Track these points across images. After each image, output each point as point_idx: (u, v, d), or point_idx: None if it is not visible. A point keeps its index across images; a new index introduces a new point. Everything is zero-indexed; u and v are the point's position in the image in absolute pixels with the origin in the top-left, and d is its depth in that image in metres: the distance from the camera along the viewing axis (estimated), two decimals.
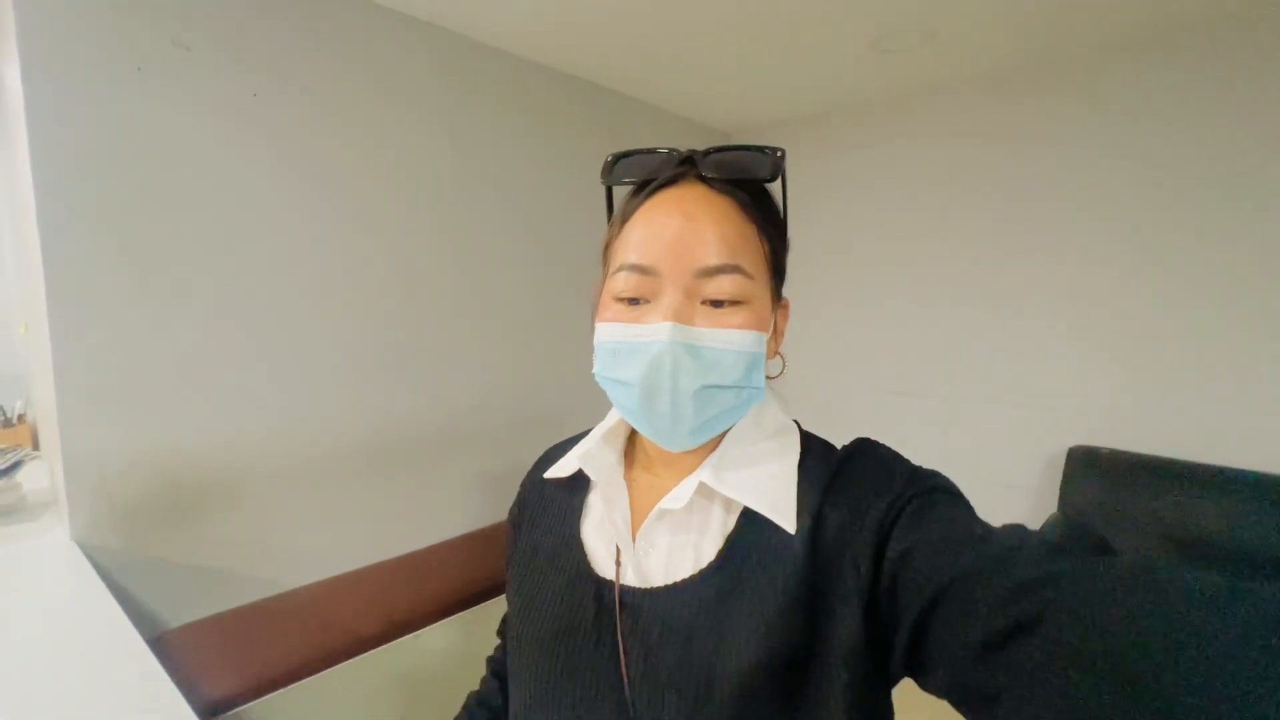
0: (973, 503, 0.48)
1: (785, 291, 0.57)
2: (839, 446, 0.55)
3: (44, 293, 1.26)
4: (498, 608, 1.47)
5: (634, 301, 0.50)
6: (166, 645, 1.27)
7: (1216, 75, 1.86)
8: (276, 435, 1.57)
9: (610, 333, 0.51)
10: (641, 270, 0.49)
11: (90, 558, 1.25)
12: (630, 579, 0.52)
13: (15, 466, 1.56)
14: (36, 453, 1.90)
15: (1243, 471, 1.82)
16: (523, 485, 0.68)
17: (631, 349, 0.50)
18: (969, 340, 2.38)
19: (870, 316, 2.63)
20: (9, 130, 1.56)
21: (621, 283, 0.50)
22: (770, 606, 0.46)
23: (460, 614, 1.54)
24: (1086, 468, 2.07)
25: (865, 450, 0.53)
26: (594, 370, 0.55)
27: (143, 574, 1.35)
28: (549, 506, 0.62)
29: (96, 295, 1.31)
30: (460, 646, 1.55)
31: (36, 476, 1.70)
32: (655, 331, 0.48)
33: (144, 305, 1.37)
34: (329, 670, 1.30)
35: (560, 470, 0.60)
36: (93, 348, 1.30)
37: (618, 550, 0.54)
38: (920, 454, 0.54)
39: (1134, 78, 1.98)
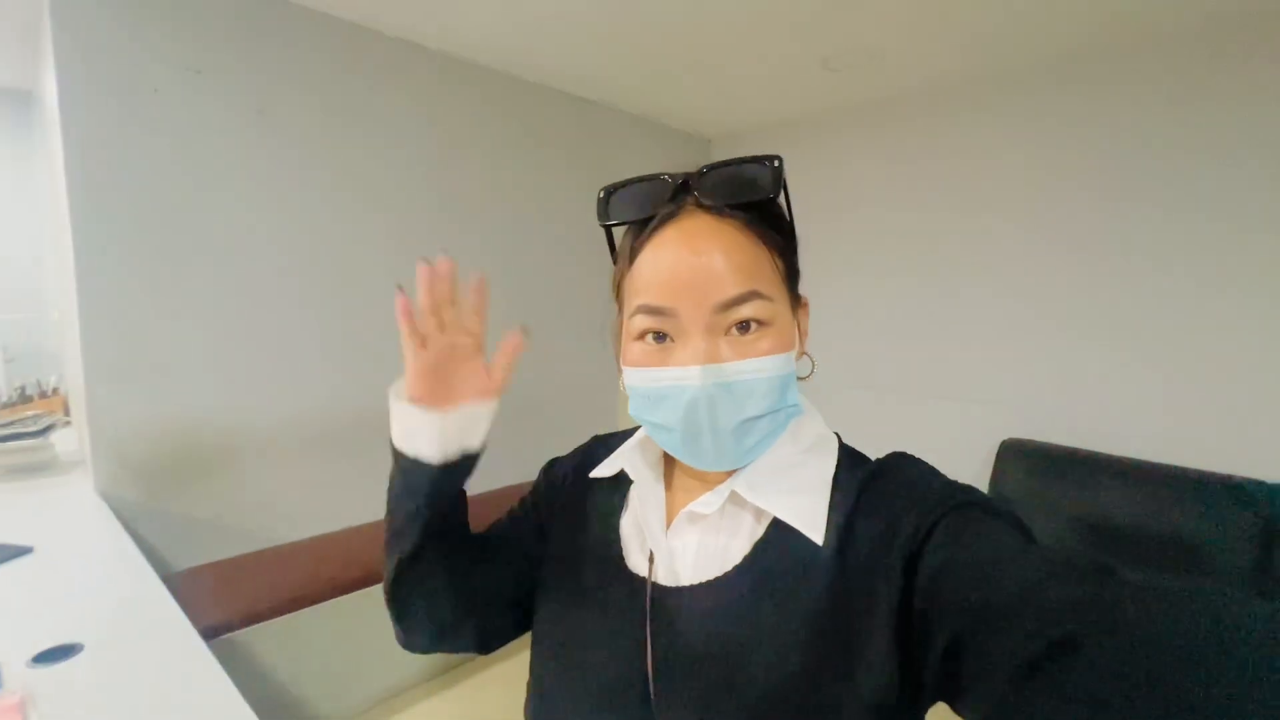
0: None
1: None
2: (874, 459, 0.54)
3: (74, 285, 1.50)
4: None
5: (659, 337, 0.49)
6: (174, 583, 1.50)
7: (1166, 92, 2.01)
8: (272, 410, 1.80)
9: (640, 378, 0.51)
10: (659, 312, 0.48)
11: (111, 507, 1.49)
12: (661, 577, 0.53)
13: (48, 429, 1.82)
14: (68, 419, 2.16)
15: (1154, 464, 1.97)
16: (559, 467, 0.68)
17: (664, 394, 0.49)
18: (921, 339, 2.56)
19: (832, 313, 2.80)
20: (48, 143, 1.79)
21: (640, 324, 0.50)
22: (795, 615, 0.46)
23: None
24: (1017, 459, 2.24)
25: (899, 463, 0.52)
26: (630, 410, 0.54)
27: (154, 521, 1.59)
28: (589, 497, 0.63)
29: (118, 287, 1.54)
30: None
31: (68, 440, 1.95)
32: (686, 375, 0.47)
33: (157, 296, 1.60)
34: (310, 609, 1.54)
35: (604, 470, 0.61)
36: (114, 332, 1.54)
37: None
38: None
39: (1066, 93, 2.14)
